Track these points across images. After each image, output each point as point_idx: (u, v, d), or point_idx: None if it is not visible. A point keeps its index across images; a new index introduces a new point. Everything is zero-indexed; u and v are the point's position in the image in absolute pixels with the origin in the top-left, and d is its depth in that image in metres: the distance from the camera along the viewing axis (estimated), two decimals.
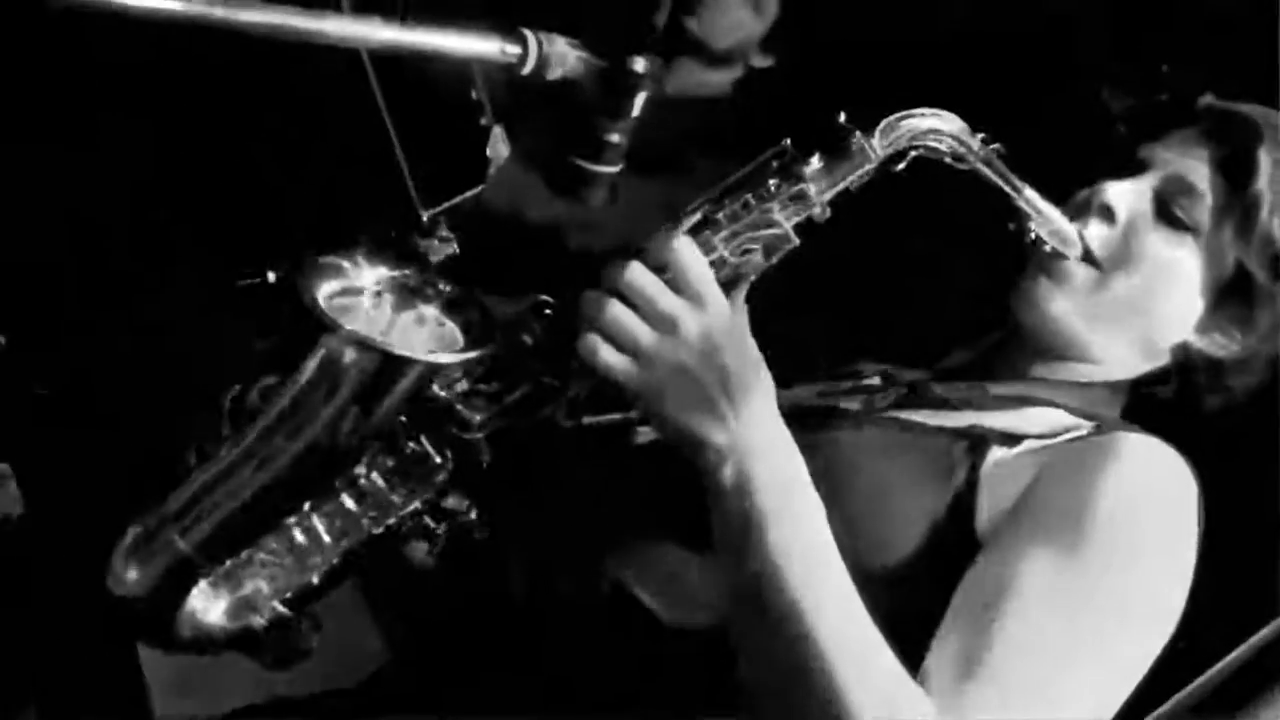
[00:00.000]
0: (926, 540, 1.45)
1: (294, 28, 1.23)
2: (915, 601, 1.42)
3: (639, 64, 1.34)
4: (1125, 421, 1.61)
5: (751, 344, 1.38)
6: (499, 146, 1.88)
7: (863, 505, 1.45)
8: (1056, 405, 1.59)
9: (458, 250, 1.72)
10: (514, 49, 1.30)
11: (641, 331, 1.33)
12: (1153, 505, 1.46)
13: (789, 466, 1.37)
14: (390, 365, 1.44)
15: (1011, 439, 1.51)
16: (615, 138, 1.35)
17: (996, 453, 1.50)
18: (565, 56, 1.31)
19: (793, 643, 1.32)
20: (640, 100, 1.35)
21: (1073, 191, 1.64)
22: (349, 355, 1.43)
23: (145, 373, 2.02)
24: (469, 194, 1.75)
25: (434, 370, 1.45)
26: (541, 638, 1.56)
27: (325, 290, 1.48)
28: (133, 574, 1.49)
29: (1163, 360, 1.66)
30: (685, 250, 1.36)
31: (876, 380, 1.67)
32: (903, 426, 1.55)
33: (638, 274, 1.35)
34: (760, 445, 1.34)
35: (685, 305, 1.34)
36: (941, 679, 1.35)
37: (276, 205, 2.00)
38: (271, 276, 2.00)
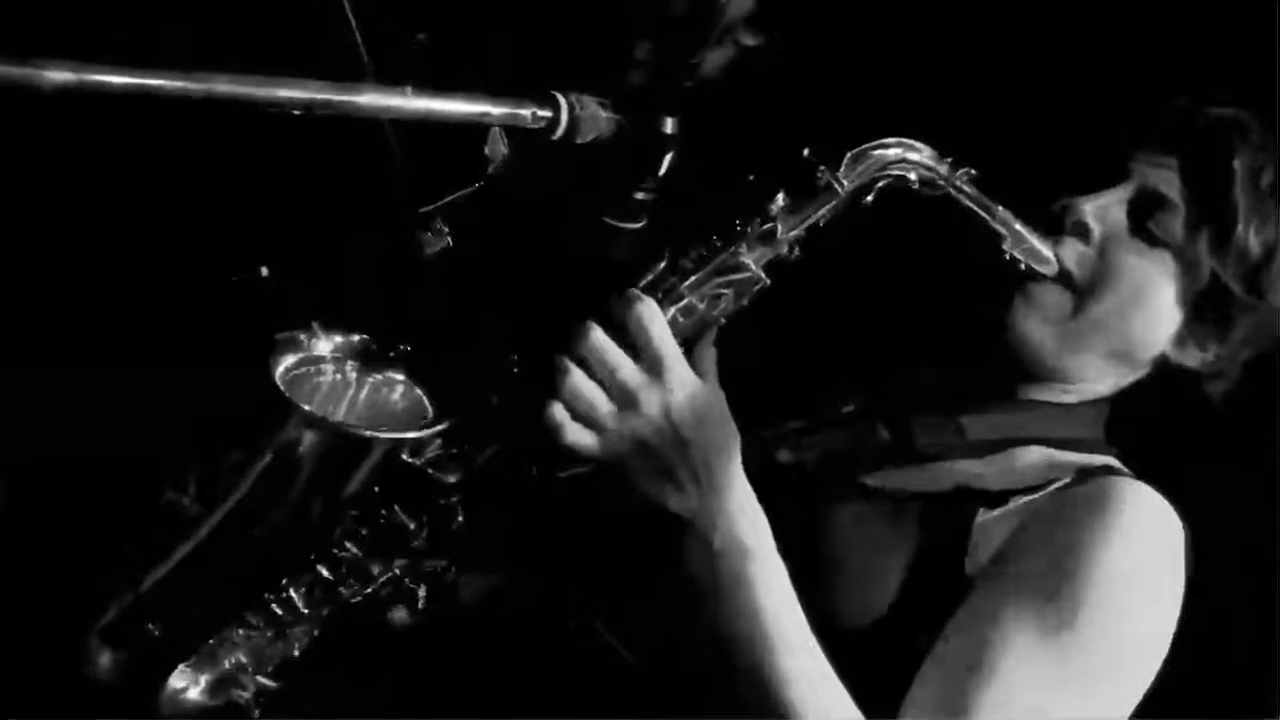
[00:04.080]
0: (914, 602, 1.43)
1: (328, 101, 1.16)
2: (900, 655, 1.41)
3: (669, 125, 1.29)
4: (1111, 461, 1.55)
5: (714, 412, 1.35)
6: (497, 145, 1.81)
7: (847, 580, 1.44)
8: (1038, 441, 1.55)
9: (451, 244, 1.65)
10: (545, 113, 1.25)
11: (601, 406, 1.33)
12: (1138, 558, 1.42)
13: (751, 534, 1.35)
14: (355, 443, 1.37)
15: (997, 498, 1.47)
16: (643, 195, 1.31)
17: (985, 515, 1.46)
18: (597, 119, 1.25)
19: (754, 698, 1.33)
20: (669, 159, 1.31)
21: (1047, 204, 1.57)
22: (309, 436, 1.35)
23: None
24: (464, 191, 1.68)
25: (400, 444, 1.39)
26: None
27: (284, 365, 1.39)
28: (105, 660, 1.41)
29: (1143, 371, 1.60)
30: (645, 315, 1.34)
31: (858, 429, 1.61)
32: (889, 498, 1.49)
33: (598, 343, 1.33)
34: (721, 514, 1.33)
35: (644, 379, 1.33)
36: None
37: (267, 202, 1.93)
38: (264, 271, 1.92)
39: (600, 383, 1.34)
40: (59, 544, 1.76)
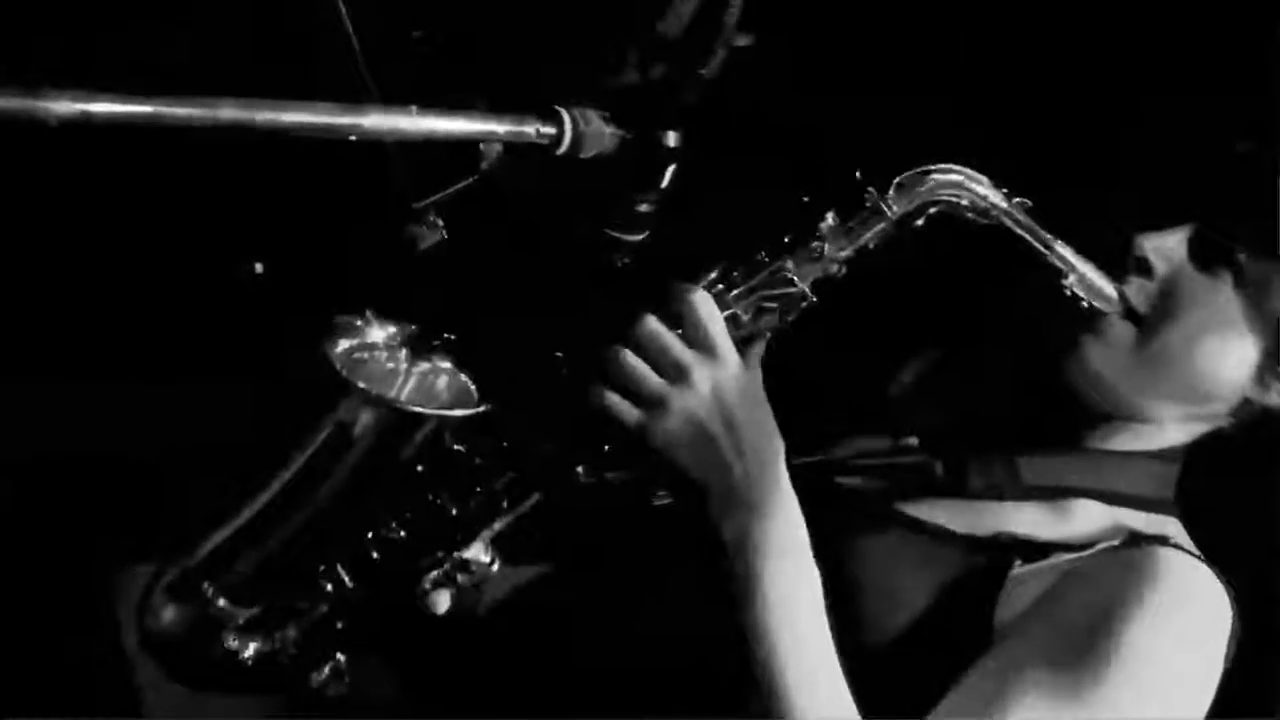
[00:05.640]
0: (937, 644, 1.40)
1: (332, 125, 1.15)
2: (919, 697, 1.37)
3: (671, 138, 1.28)
4: (1169, 530, 1.49)
5: (762, 405, 1.35)
6: (491, 148, 1.79)
7: (875, 610, 1.42)
8: (1097, 494, 1.49)
9: (446, 237, 1.65)
10: (549, 129, 1.23)
11: (652, 380, 1.33)
12: (1173, 639, 1.36)
13: (787, 532, 1.34)
14: (405, 421, 1.41)
15: (1041, 550, 1.44)
16: (646, 207, 1.30)
17: (1023, 567, 1.43)
18: (600, 134, 1.25)
19: (773, 695, 1.32)
20: (671, 172, 1.30)
21: (1110, 242, 1.50)
22: (365, 414, 1.40)
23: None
24: (459, 185, 1.67)
25: (448, 424, 1.43)
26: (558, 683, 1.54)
27: (341, 348, 1.44)
28: (168, 615, 1.47)
29: (1217, 416, 1.52)
30: (700, 304, 1.34)
31: (913, 460, 1.57)
32: (928, 534, 1.47)
33: (651, 325, 1.34)
34: (761, 505, 1.32)
35: (697, 356, 1.33)
36: None
37: (263, 196, 1.91)
38: (259, 268, 1.91)
39: (652, 363, 1.34)
40: (59, 543, 1.77)
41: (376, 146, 1.63)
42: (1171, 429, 1.52)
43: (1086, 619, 1.36)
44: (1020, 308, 1.54)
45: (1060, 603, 1.39)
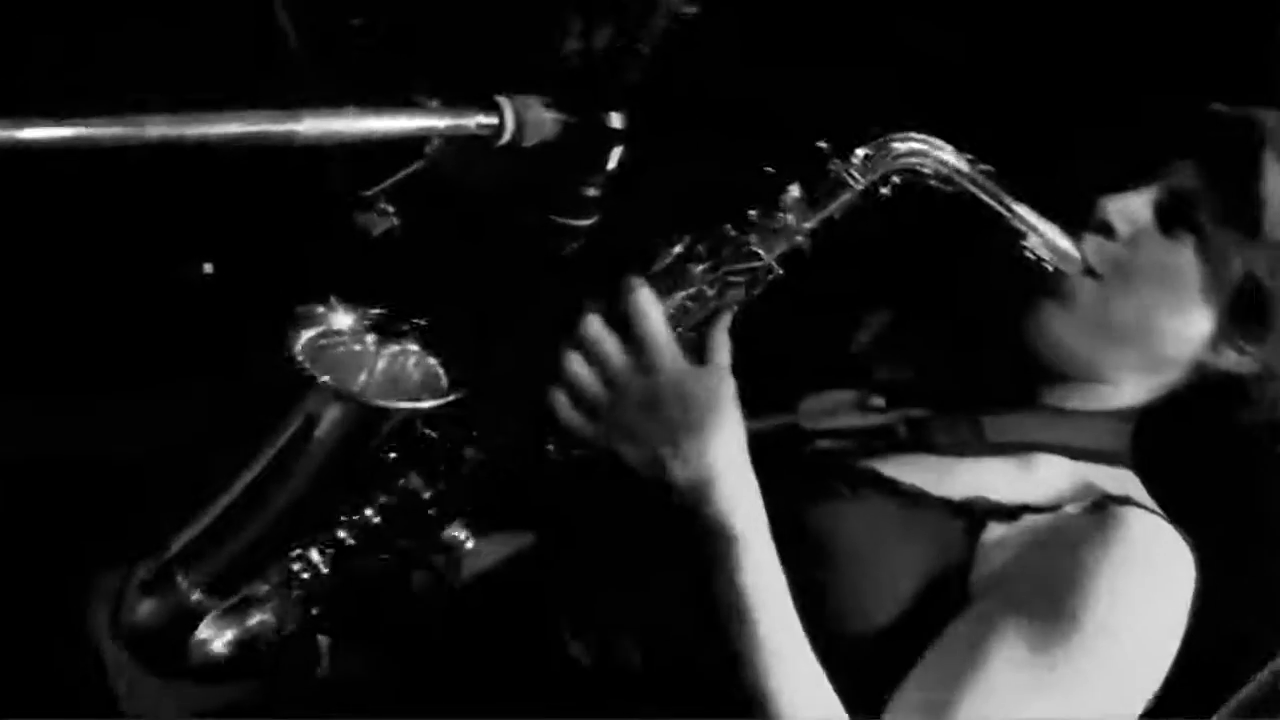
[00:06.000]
0: (915, 611, 1.43)
1: (266, 132, 1.14)
2: (897, 661, 1.41)
3: (614, 119, 1.27)
4: (1132, 491, 1.52)
5: (713, 389, 1.36)
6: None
7: (852, 578, 1.44)
8: (1059, 449, 1.51)
9: (397, 224, 1.64)
10: (490, 120, 1.22)
11: (592, 389, 1.37)
12: (1142, 595, 1.40)
13: (736, 517, 1.36)
14: (373, 413, 1.42)
15: (1011, 513, 1.46)
16: (593, 191, 1.29)
17: (994, 528, 1.45)
18: (542, 122, 1.24)
19: (736, 679, 1.35)
20: (616, 153, 1.28)
21: (1069, 204, 1.51)
22: (332, 408, 1.40)
23: None
24: (406, 171, 1.66)
25: (418, 414, 1.43)
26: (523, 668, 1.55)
27: (305, 338, 1.44)
28: (144, 609, 1.48)
29: (1172, 378, 1.55)
30: (639, 304, 1.37)
31: (880, 419, 1.59)
32: (900, 498, 1.48)
33: (593, 330, 1.38)
34: (705, 495, 1.36)
35: (633, 366, 1.36)
36: None
37: (214, 189, 1.90)
38: (208, 268, 1.91)
39: (596, 369, 1.38)
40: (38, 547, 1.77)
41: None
42: (1128, 389, 1.54)
43: (1058, 581, 1.39)
44: (982, 270, 1.54)
45: (1032, 566, 1.41)
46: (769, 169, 1.40)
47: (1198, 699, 1.54)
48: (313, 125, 1.16)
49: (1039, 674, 1.36)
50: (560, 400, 1.39)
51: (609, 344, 1.37)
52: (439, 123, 1.20)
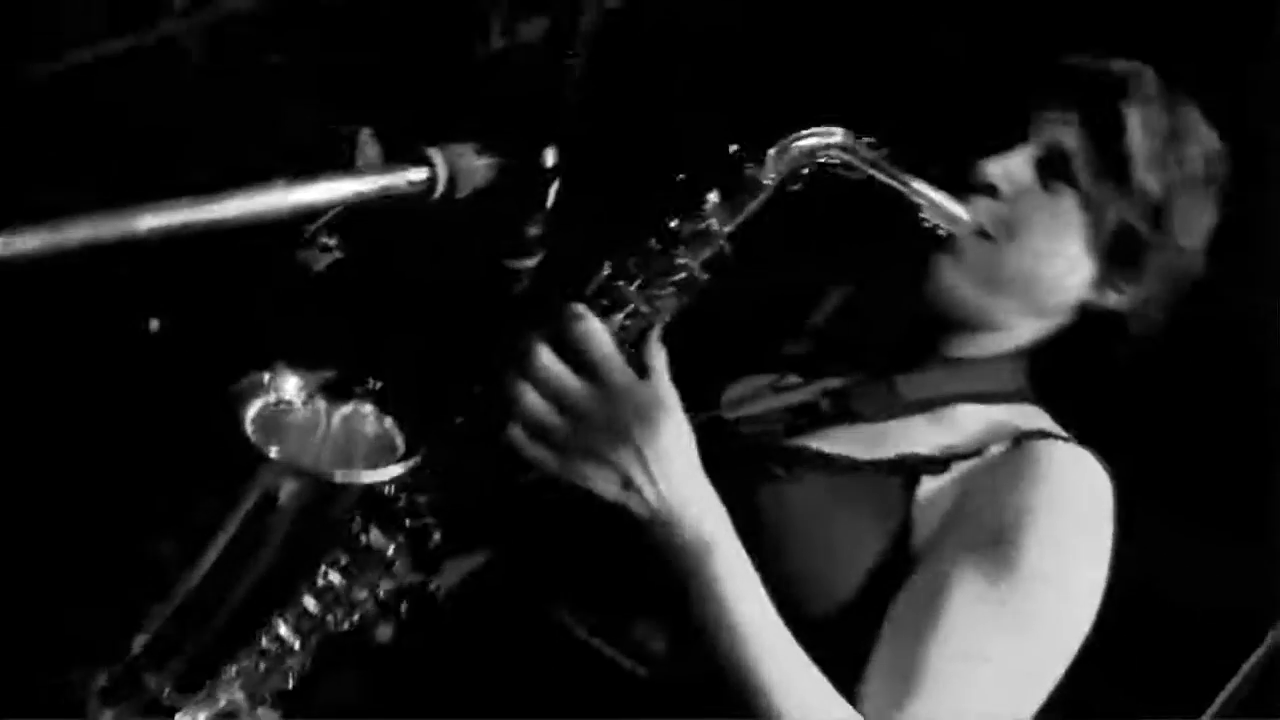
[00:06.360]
0: (871, 580, 1.47)
1: (191, 222, 1.08)
2: (864, 636, 1.46)
3: (549, 157, 1.23)
4: (1044, 423, 1.61)
5: (665, 402, 1.39)
6: (368, 150, 1.73)
7: (807, 558, 1.47)
8: (970, 397, 1.60)
9: (341, 256, 1.61)
10: (421, 175, 1.17)
11: (553, 421, 1.38)
12: (1074, 518, 1.49)
13: (706, 525, 1.39)
14: (333, 487, 1.38)
15: (940, 464, 1.52)
16: (535, 230, 1.26)
17: (928, 482, 1.51)
18: (474, 169, 1.20)
19: (732, 679, 1.38)
20: (554, 189, 1.24)
21: (956, 167, 1.61)
22: (288, 484, 1.37)
23: None
24: (344, 204, 1.62)
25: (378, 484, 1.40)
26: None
27: (254, 410, 1.39)
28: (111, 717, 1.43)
29: (1060, 319, 1.65)
30: (586, 332, 1.38)
31: (800, 396, 1.65)
32: (835, 470, 1.53)
33: (544, 362, 1.38)
34: (679, 510, 1.38)
35: (591, 393, 1.37)
36: (878, 702, 1.41)
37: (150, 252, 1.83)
38: (154, 324, 1.84)
39: (552, 401, 1.38)
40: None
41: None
42: (1021, 333, 1.64)
43: (995, 518, 1.46)
44: (883, 242, 1.62)
45: (969, 508, 1.48)
46: (681, 176, 1.44)
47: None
48: (242, 205, 1.10)
49: (994, 609, 1.42)
50: (520, 437, 1.39)
51: (563, 374, 1.38)
52: (370, 185, 1.15)
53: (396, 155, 1.22)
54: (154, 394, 1.82)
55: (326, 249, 1.61)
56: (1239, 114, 1.63)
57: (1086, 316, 1.64)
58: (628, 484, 1.37)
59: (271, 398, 1.41)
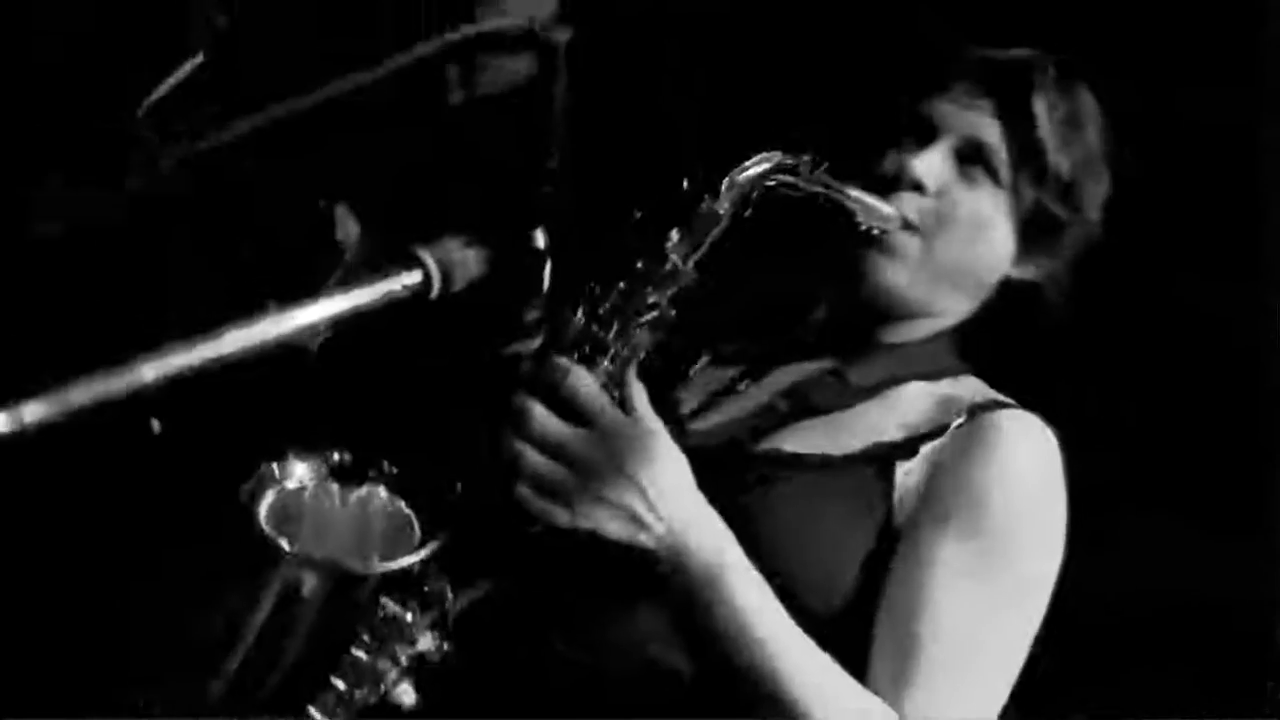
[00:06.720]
0: (867, 572, 1.52)
1: (191, 365, 1.07)
2: (869, 628, 1.50)
3: (539, 239, 1.21)
4: (990, 393, 1.67)
5: (657, 436, 1.41)
6: (348, 226, 1.72)
7: (804, 561, 1.50)
8: (918, 377, 1.66)
9: (332, 334, 1.59)
10: (415, 278, 1.16)
11: (563, 479, 1.39)
12: (1034, 480, 1.56)
13: (714, 547, 1.42)
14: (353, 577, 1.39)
15: (909, 448, 1.58)
16: (534, 313, 1.24)
17: (901, 467, 1.56)
18: (466, 262, 1.18)
19: (764, 691, 1.40)
20: (548, 270, 1.23)
21: (874, 164, 1.68)
22: (309, 577, 1.37)
23: None
24: (331, 281, 1.61)
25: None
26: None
27: (268, 502, 1.39)
28: None
29: (986, 295, 1.73)
30: (576, 384, 1.39)
31: (757, 399, 1.68)
32: (810, 469, 1.57)
33: (543, 421, 1.39)
34: (684, 536, 1.40)
35: (592, 443, 1.39)
36: (882, 691, 1.45)
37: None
38: (156, 426, 1.83)
39: (553, 456, 1.39)
40: None
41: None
42: (954, 313, 1.72)
43: (966, 492, 1.53)
44: (822, 248, 1.69)
45: (941, 490, 1.54)
46: (638, 214, 1.48)
47: None
48: (237, 339, 1.09)
49: (977, 583, 1.49)
50: (527, 494, 1.39)
51: (560, 428, 1.39)
52: (367, 297, 1.14)
53: (371, 225, 1.20)
54: (165, 496, 1.81)
55: (315, 331, 1.59)
56: (1239, 113, 1.62)
57: (1007, 289, 1.72)
58: (634, 520, 1.39)
59: (284, 487, 1.40)
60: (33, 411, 1.00)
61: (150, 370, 1.06)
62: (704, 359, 1.77)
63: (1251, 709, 1.84)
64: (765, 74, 2.19)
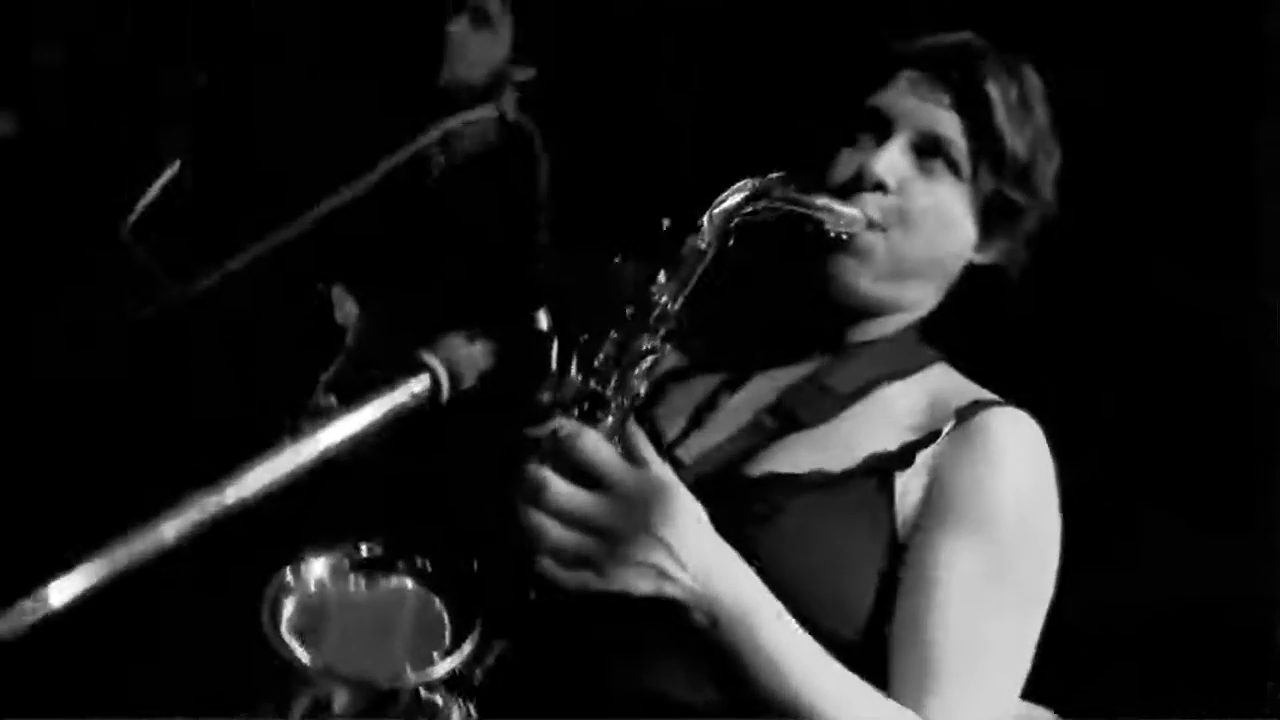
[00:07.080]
0: (881, 587, 1.51)
1: (214, 514, 1.07)
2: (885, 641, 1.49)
3: (542, 320, 1.20)
4: (978, 393, 1.65)
5: (669, 486, 1.36)
6: (347, 307, 1.71)
7: (819, 584, 1.48)
8: (896, 376, 1.65)
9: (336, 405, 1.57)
10: (423, 383, 1.15)
11: (591, 548, 1.35)
12: (1027, 473, 1.56)
13: (742, 591, 1.39)
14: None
15: (905, 458, 1.57)
16: (548, 396, 1.23)
17: (900, 478, 1.55)
18: (473, 359, 1.17)
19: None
20: (555, 349, 1.21)
21: (832, 165, 1.67)
22: (340, 690, 1.30)
23: None
24: (334, 367, 1.60)
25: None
26: None
27: (288, 614, 1.31)
28: None
29: (951, 282, 1.73)
30: (588, 449, 1.34)
31: (740, 419, 1.65)
32: (810, 489, 1.54)
33: (562, 493, 1.33)
34: (710, 584, 1.37)
35: (615, 509, 1.34)
36: (904, 702, 1.44)
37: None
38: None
39: (579, 527, 1.35)
40: None
41: None
42: (921, 304, 1.72)
43: (969, 504, 1.52)
44: (792, 252, 1.66)
45: (938, 496, 1.54)
46: (617, 258, 1.48)
47: None
48: (258, 477, 1.08)
49: (986, 588, 1.48)
50: (552, 568, 1.35)
51: (578, 496, 1.34)
52: (378, 412, 1.13)
53: (369, 305, 1.18)
54: (183, 605, 1.80)
55: (329, 407, 1.57)
56: (1234, 108, 1.60)
57: (971, 274, 1.72)
58: (661, 575, 1.36)
59: (305, 592, 1.34)
60: (59, 593, 0.99)
61: (172, 530, 1.05)
62: (668, 352, 1.60)
63: (1251, 709, 1.85)
64: (754, 75, 2.18)
